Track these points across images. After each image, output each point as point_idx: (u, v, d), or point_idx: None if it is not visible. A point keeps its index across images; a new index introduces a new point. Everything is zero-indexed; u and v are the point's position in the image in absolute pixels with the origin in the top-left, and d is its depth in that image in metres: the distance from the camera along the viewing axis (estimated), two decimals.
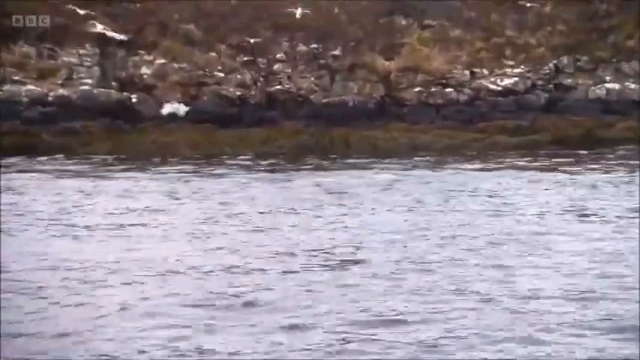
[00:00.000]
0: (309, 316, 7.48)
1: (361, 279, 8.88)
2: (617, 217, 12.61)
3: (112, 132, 23.92)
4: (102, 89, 24.88)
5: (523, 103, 25.86)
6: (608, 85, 25.99)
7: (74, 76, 24.93)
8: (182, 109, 24.15)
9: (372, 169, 19.51)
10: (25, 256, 9.92)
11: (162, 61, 25.54)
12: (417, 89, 25.98)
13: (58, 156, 21.44)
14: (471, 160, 21.08)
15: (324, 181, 17.15)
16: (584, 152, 22.28)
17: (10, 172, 18.32)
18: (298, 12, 24.97)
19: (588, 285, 8.53)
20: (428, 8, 27.34)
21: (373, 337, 6.92)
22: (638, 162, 19.49)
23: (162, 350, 6.65)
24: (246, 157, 22.07)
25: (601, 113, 25.41)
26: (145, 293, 8.28)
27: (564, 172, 18.48)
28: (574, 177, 17.48)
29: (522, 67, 26.27)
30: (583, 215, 12.84)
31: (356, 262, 9.67)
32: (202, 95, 25.49)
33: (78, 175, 18.29)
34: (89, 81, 24.89)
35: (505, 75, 26.15)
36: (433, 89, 25.98)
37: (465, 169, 19.25)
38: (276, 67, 26.05)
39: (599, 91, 26.00)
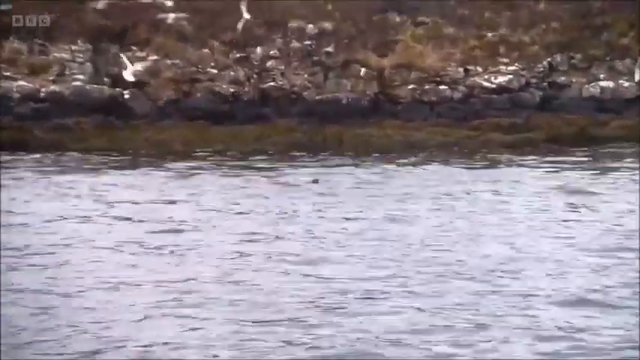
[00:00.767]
0: None
1: None
2: None
3: (104, 128, 23.76)
4: (94, 85, 24.69)
5: (517, 101, 25.81)
6: (602, 83, 25.96)
7: (66, 72, 24.72)
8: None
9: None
10: None
11: (155, 57, 25.36)
12: (410, 86, 25.89)
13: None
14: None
15: None
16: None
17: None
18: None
19: None
20: (421, 5, 27.25)
21: None
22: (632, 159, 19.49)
23: None
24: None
25: (595, 111, 25.40)
26: None
27: None
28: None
29: (516, 64, 26.21)
30: None
31: None
32: (195, 92, 25.33)
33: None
34: (81, 77, 24.69)
35: (499, 73, 26.10)
36: (427, 87, 25.90)
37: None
38: (269, 63, 25.90)
39: (593, 89, 25.96)
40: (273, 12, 26.63)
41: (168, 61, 25.37)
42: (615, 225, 12.18)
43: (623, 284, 8.87)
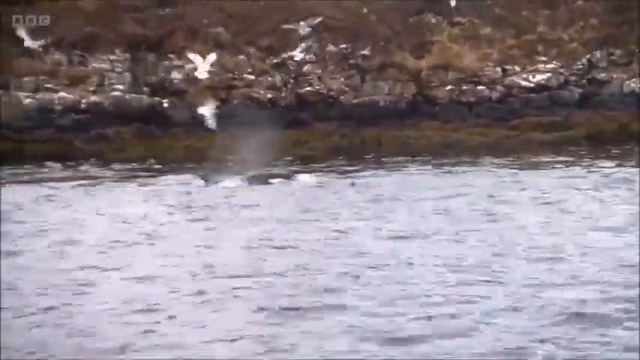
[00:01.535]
0: None
1: None
2: None
3: (144, 137, 23.94)
4: (133, 95, 24.89)
5: (556, 99, 25.58)
6: None
7: (105, 82, 24.95)
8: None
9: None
10: None
11: (192, 65, 25.49)
12: (448, 87, 25.78)
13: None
14: None
15: None
16: None
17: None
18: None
19: None
20: (458, 6, 27.10)
21: None
22: None
23: None
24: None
25: (636, 107, 25.06)
26: None
27: None
28: None
29: (555, 62, 25.98)
30: None
31: None
32: (232, 98, 25.42)
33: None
34: (120, 87, 24.91)
35: (537, 71, 25.89)
36: (465, 87, 25.77)
37: None
38: (305, 68, 25.93)
39: (633, 85, 25.65)
40: (308, 17, 26.60)
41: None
42: None
43: None
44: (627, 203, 13.86)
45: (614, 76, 25.81)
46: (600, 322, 7.46)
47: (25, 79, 24.37)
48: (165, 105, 24.85)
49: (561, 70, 25.85)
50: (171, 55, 25.69)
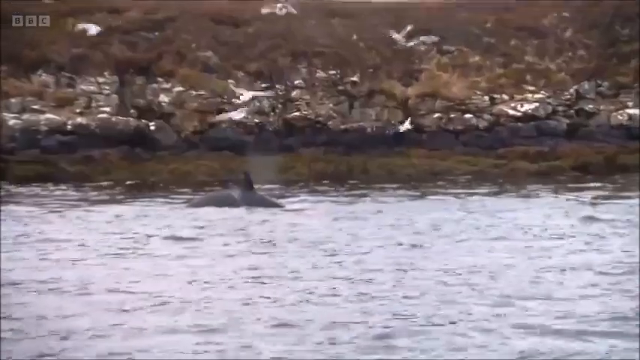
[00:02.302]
0: None
1: None
2: None
3: (130, 160, 23.88)
4: (120, 117, 24.85)
5: (544, 129, 25.60)
6: (630, 111, 25.69)
7: (92, 105, 24.93)
8: None
9: None
10: None
11: (181, 88, 25.50)
12: (436, 115, 25.79)
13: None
14: None
15: None
16: None
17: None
18: None
19: None
20: (446, 34, 27.20)
21: None
22: None
23: None
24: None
25: (623, 139, 25.11)
26: None
27: None
28: None
29: (543, 92, 26.03)
30: None
31: None
32: (220, 123, 25.40)
33: None
34: (107, 109, 24.88)
35: (525, 100, 25.92)
36: (452, 115, 25.79)
37: None
38: (294, 93, 25.94)
39: (621, 117, 25.70)
40: (298, 42, 26.69)
41: (194, 92, 25.49)
42: None
43: None
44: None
45: (602, 107, 25.86)
46: None
47: (12, 100, 24.34)
48: (152, 128, 24.81)
49: (549, 100, 25.89)
50: (159, 79, 25.70)
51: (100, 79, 25.22)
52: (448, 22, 27.55)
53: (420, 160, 24.91)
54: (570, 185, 20.57)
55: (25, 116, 24.15)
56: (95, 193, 19.88)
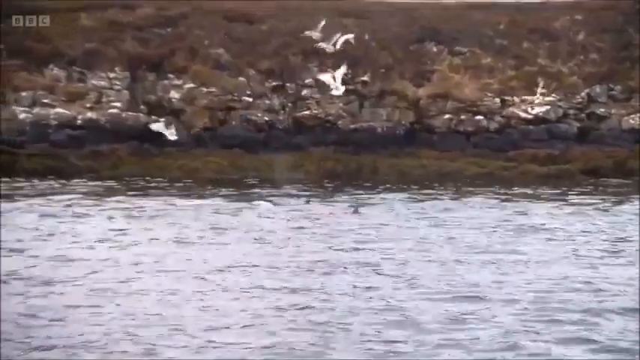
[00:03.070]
0: None
1: None
2: None
3: (138, 155, 23.95)
4: (130, 113, 24.92)
5: (555, 132, 25.46)
6: None
7: (103, 100, 25.02)
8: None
9: None
10: None
11: (192, 85, 25.54)
12: (447, 116, 25.71)
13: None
14: None
15: None
16: None
17: None
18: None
19: None
20: (459, 35, 27.09)
21: None
22: None
23: None
24: None
25: (634, 143, 24.92)
26: None
27: None
28: None
29: (554, 95, 25.87)
30: None
31: None
32: (230, 120, 25.43)
33: None
34: (118, 104, 24.96)
35: (536, 103, 25.78)
36: (463, 117, 25.69)
37: None
38: (304, 92, 25.92)
39: (632, 121, 25.51)
40: (308, 41, 26.65)
41: (204, 89, 25.51)
42: None
43: None
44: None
45: (613, 111, 25.69)
46: None
47: (23, 93, 24.46)
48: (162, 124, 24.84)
49: (560, 104, 25.74)
50: (170, 75, 25.74)
51: (112, 75, 25.31)
52: (461, 24, 27.44)
53: (430, 161, 24.85)
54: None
55: (36, 110, 24.26)
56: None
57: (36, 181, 20.86)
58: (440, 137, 25.55)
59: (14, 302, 9.09)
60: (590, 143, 25.15)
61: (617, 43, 26.62)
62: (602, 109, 25.77)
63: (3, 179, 20.52)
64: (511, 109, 25.79)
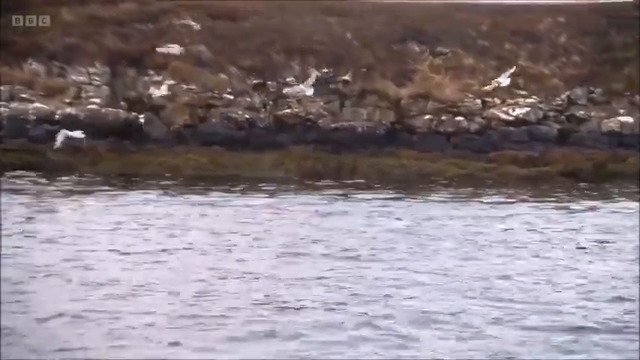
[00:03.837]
0: None
1: None
2: None
3: (118, 152, 23.82)
4: (110, 109, 24.78)
5: (535, 134, 25.49)
6: (621, 118, 25.58)
7: (82, 95, 24.86)
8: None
9: None
10: None
11: (172, 82, 25.42)
12: (427, 117, 25.69)
13: None
14: None
15: None
16: None
17: None
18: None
19: None
20: (442, 36, 27.09)
21: None
22: None
23: None
24: None
25: (614, 147, 25.00)
26: None
27: None
28: None
29: (535, 97, 25.92)
30: None
31: None
32: (210, 117, 25.33)
33: None
34: (97, 100, 24.82)
35: (517, 105, 25.81)
36: (444, 117, 25.68)
37: None
38: (285, 90, 25.85)
39: (612, 124, 25.59)
40: (292, 39, 26.60)
41: (185, 86, 25.40)
42: None
43: None
44: None
45: (593, 114, 25.76)
46: None
47: (1, 88, 24.28)
48: (142, 120, 24.73)
49: (541, 105, 25.79)
50: (151, 71, 25.61)
51: (92, 70, 25.17)
52: (444, 24, 27.45)
53: (410, 162, 24.83)
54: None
55: (14, 105, 24.09)
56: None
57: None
58: (420, 137, 25.54)
59: None
60: (569, 145, 25.21)
61: (599, 46, 26.70)
62: (582, 112, 25.83)
63: None
64: (492, 110, 25.82)
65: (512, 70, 25.52)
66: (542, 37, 27.17)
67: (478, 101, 25.87)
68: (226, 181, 21.40)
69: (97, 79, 25.05)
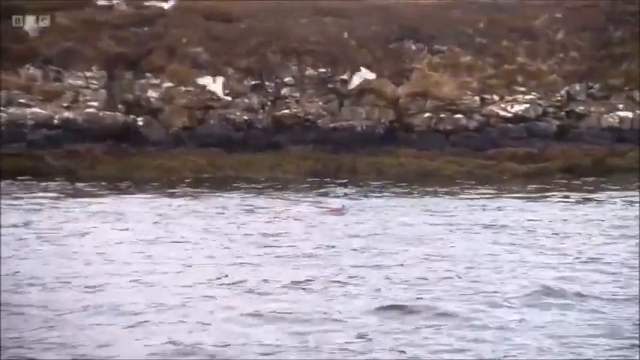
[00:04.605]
0: None
1: None
2: None
3: (116, 155, 23.75)
4: (108, 112, 24.72)
5: (534, 130, 25.43)
6: (620, 114, 25.53)
7: (80, 99, 24.80)
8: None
9: None
10: None
11: (169, 84, 25.36)
12: (426, 115, 25.64)
13: None
14: None
15: None
16: None
17: None
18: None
19: None
20: (438, 34, 27.03)
21: None
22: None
23: None
24: None
25: (613, 142, 24.94)
26: None
27: None
28: None
29: (534, 93, 25.86)
30: None
31: None
32: (209, 119, 25.26)
33: None
34: (95, 104, 24.76)
35: (516, 101, 25.75)
36: (442, 115, 25.63)
37: None
38: (284, 91, 25.79)
39: (611, 119, 25.53)
40: (289, 39, 26.54)
41: (182, 88, 25.34)
42: None
43: None
44: None
45: (592, 109, 25.70)
46: None
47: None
48: (140, 123, 24.67)
49: (540, 102, 25.72)
50: (148, 74, 25.55)
51: (89, 74, 25.11)
52: (440, 22, 27.38)
53: (409, 160, 24.78)
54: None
55: (12, 110, 24.02)
56: None
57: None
58: (419, 136, 25.48)
59: None
60: (569, 141, 25.15)
61: (597, 42, 26.64)
62: (581, 108, 25.78)
63: None
64: (490, 107, 25.76)
65: None
66: (539, 34, 27.11)
67: (477, 98, 25.80)
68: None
69: (95, 82, 25.00)
